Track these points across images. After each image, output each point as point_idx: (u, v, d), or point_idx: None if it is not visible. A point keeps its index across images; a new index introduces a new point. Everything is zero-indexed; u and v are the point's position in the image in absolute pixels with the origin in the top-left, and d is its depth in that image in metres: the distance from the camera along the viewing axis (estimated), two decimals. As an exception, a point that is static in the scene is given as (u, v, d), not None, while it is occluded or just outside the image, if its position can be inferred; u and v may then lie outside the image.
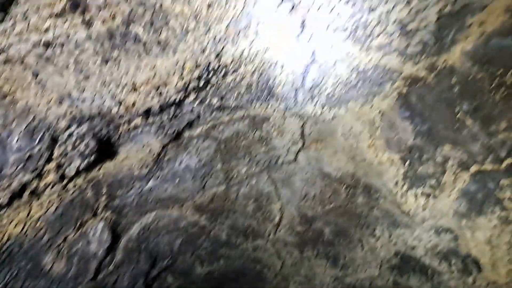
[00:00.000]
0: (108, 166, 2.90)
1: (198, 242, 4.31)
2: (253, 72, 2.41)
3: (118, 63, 1.83)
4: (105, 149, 2.66)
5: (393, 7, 2.11)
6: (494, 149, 2.38)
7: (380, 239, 3.60)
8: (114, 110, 2.09)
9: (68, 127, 2.15)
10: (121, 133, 2.59)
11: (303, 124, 3.26)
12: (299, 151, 3.66)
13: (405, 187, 2.91)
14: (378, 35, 2.31)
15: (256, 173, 3.83)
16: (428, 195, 2.86)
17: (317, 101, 2.90)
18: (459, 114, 2.43)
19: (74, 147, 2.31)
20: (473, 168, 2.56)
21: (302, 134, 3.41)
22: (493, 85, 2.24)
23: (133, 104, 2.08)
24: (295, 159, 3.75)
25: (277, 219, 4.13)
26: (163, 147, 2.98)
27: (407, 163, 2.78)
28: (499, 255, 2.78)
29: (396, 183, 2.92)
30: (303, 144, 3.57)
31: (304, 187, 3.90)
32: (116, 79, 1.90)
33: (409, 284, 3.81)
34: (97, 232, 3.29)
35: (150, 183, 3.25)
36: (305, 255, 4.25)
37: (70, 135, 2.22)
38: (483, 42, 2.21)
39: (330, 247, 4.07)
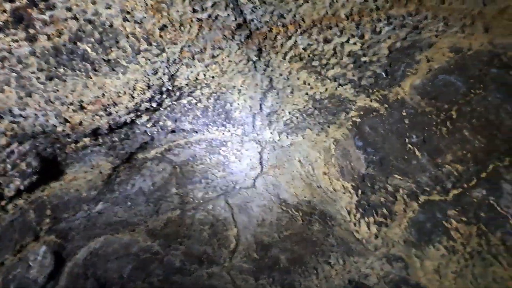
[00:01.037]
0: (54, 187, 2.75)
1: (150, 269, 4.12)
2: (209, 96, 2.39)
3: (64, 81, 1.75)
4: (50, 169, 2.52)
5: (347, 40, 2.17)
6: (441, 180, 2.46)
7: (334, 267, 3.59)
8: (60, 128, 1.99)
9: (8, 144, 2.02)
10: (68, 152, 2.46)
11: (261, 149, 3.25)
12: (257, 177, 3.64)
13: (358, 215, 2.93)
14: (333, 66, 2.36)
15: (213, 198, 3.76)
16: (380, 224, 2.89)
17: (274, 128, 2.91)
18: (408, 146, 2.50)
19: (14, 166, 2.17)
20: (422, 198, 2.63)
21: (261, 160, 3.40)
22: (440, 119, 2.34)
23: (80, 123, 1.99)
24: (253, 185, 3.72)
25: (233, 245, 4.04)
26: (114, 168, 2.86)
27: (359, 191, 2.81)
28: (446, 284, 2.83)
29: (350, 211, 2.95)
30: (261, 170, 3.55)
31: (261, 213, 3.86)
32: (61, 97, 1.81)
33: (363, 313, 3.80)
34: (38, 256, 3.07)
35: (100, 206, 3.10)
36: (260, 283, 4.16)
37: (11, 153, 2.09)
38: (431, 78, 2.31)
39: (285, 274, 4.01)
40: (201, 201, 3.72)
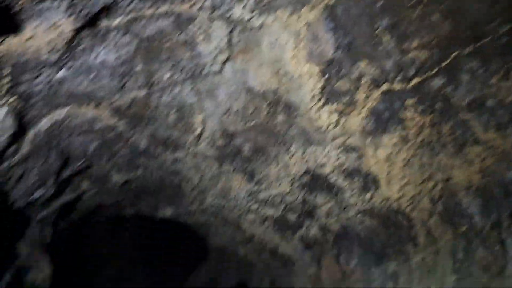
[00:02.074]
0: (12, 43, 2.60)
1: (115, 149, 4.17)
2: (175, -47, 2.21)
3: None
4: (4, 21, 2.36)
5: None
6: (404, 67, 2.49)
7: (294, 156, 3.74)
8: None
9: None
10: (22, 5, 2.30)
11: (230, 30, 3.13)
12: (225, 61, 3.55)
13: (321, 102, 2.98)
14: None
15: (180, 81, 3.69)
16: (340, 112, 2.96)
17: (246, 4, 2.78)
18: (378, 30, 2.46)
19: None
20: (384, 87, 2.67)
21: (229, 43, 3.30)
22: (412, 2, 2.28)
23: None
24: (221, 70, 3.65)
25: (198, 131, 4.09)
26: (76, 32, 2.72)
27: (325, 76, 2.82)
28: (394, 172, 3.02)
29: (313, 97, 2.98)
30: (230, 54, 3.46)
31: (227, 100, 3.85)
32: None
33: (316, 202, 4.07)
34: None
35: (61, 73, 2.99)
36: (223, 169, 4.33)
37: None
38: (409, -45, 2.21)
39: (247, 163, 4.17)
40: (168, 84, 3.65)
